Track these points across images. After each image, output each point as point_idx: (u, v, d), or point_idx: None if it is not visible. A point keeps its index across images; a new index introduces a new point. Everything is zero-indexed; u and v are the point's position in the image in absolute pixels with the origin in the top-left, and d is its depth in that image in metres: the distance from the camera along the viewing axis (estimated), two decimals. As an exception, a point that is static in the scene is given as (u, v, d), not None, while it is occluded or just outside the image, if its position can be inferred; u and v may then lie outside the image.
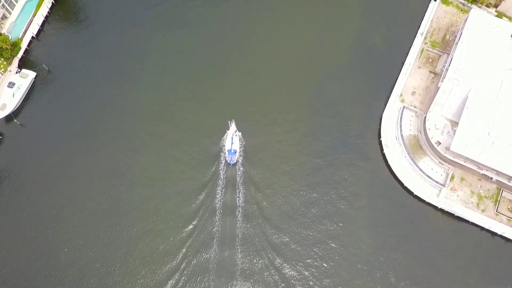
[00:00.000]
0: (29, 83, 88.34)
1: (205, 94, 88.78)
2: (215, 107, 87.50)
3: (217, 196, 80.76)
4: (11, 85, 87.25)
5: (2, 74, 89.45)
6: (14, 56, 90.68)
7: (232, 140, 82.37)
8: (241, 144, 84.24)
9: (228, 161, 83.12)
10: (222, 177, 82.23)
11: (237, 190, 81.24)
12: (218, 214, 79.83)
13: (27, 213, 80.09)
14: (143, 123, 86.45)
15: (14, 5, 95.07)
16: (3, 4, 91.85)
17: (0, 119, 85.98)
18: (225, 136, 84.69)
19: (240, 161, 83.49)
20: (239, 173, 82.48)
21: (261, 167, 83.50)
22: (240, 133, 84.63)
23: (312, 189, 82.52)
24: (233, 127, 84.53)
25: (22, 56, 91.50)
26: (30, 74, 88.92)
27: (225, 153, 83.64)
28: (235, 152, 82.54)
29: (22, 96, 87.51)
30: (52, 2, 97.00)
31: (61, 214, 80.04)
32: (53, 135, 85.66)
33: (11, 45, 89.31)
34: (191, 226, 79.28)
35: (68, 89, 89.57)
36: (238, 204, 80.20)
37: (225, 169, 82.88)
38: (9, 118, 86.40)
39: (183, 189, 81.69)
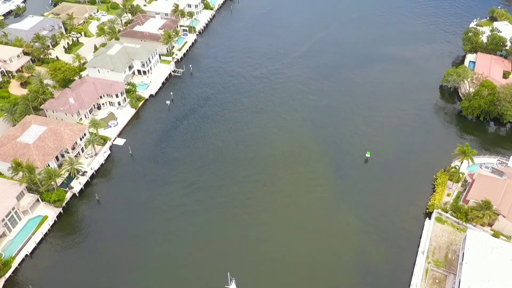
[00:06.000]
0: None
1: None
2: None
3: None
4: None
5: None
6: (1, 276, 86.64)
7: None
8: None
9: None
10: None
11: None
12: None
13: None
14: None
15: (17, 223, 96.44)
16: (5, 222, 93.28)
17: None
18: None
19: None
20: None
21: None
22: None
23: None
24: (233, 285, 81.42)
25: (10, 276, 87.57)
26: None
27: None
28: None
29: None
30: (54, 220, 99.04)
31: None
32: None
33: (1, 265, 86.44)
34: None
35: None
36: None
37: None
38: None
39: None
